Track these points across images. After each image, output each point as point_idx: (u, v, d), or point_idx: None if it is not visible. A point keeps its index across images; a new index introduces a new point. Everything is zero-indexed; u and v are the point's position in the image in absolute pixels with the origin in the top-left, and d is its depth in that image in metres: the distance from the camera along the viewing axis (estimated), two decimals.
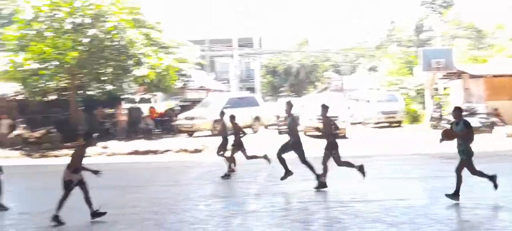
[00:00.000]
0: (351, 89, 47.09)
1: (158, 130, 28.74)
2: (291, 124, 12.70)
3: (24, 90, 25.18)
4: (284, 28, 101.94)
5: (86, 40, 23.71)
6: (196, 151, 22.12)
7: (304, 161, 12.47)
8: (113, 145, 23.71)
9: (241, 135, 14.94)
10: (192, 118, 27.66)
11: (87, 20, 23.97)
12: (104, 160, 21.13)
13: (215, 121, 24.74)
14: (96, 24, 24.10)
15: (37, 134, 24.73)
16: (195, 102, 32.11)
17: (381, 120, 31.56)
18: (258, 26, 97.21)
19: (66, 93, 26.90)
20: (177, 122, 28.38)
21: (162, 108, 33.57)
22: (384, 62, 49.70)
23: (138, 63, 25.69)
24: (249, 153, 14.93)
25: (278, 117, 30.66)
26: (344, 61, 68.71)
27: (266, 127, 30.74)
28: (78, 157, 9.60)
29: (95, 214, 9.85)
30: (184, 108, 30.87)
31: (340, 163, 12.43)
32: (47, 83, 24.20)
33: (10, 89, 26.03)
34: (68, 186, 9.40)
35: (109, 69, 25.41)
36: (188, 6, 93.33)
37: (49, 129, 25.10)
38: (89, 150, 10.19)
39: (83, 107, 27.47)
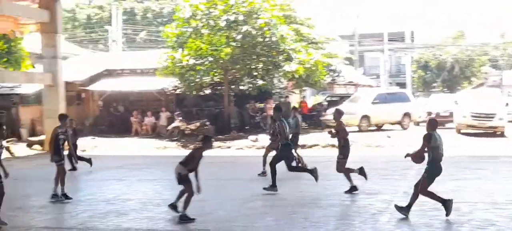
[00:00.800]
0: (510, 85, 44.33)
1: (306, 125, 28.99)
2: (279, 128, 12.38)
3: (182, 84, 26.32)
4: (438, 21, 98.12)
5: (239, 37, 24.46)
6: None
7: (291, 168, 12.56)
8: (263, 138, 24.35)
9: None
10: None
11: (241, 17, 24.67)
12: (254, 152, 21.80)
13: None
14: (248, 21, 24.77)
15: (192, 126, 25.79)
16: (343, 97, 32.00)
17: None
18: (411, 19, 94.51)
19: (219, 88, 28.02)
20: (325, 117, 28.47)
21: (311, 103, 33.88)
22: None
23: (288, 58, 26.07)
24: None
25: (429, 113, 29.73)
26: (504, 55, 64.79)
27: (416, 123, 29.90)
28: (195, 158, 9.49)
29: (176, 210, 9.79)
30: (332, 103, 30.84)
31: (340, 169, 12.10)
32: (202, 78, 25.12)
33: (169, 83, 27.48)
34: (187, 179, 9.41)
35: (260, 65, 25.99)
36: (338, 0, 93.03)
37: (204, 121, 26.15)
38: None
39: (235, 102, 28.48)
